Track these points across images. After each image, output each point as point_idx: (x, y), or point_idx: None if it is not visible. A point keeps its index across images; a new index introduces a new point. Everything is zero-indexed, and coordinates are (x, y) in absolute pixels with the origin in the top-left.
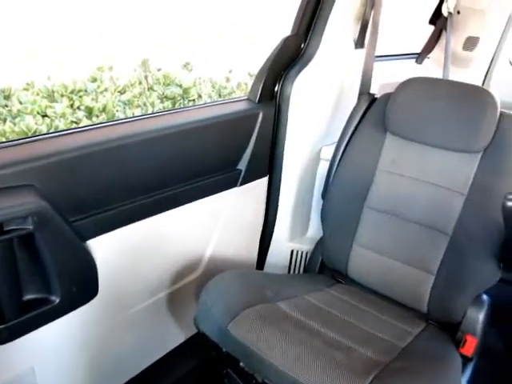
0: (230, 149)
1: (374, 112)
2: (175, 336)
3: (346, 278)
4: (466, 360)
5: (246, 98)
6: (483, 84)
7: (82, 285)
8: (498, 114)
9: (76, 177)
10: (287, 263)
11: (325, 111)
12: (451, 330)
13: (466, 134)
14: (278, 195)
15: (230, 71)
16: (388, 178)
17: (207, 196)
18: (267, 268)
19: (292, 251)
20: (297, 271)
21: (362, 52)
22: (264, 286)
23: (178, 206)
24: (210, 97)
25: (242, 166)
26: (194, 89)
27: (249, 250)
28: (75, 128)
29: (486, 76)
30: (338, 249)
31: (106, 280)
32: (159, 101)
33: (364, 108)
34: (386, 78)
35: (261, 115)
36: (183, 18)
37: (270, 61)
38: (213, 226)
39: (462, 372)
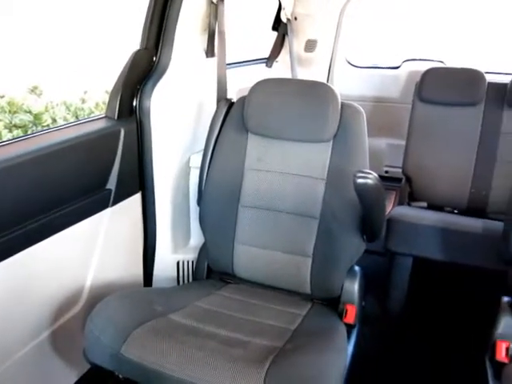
0: (96, 169)
1: (233, 116)
2: (66, 377)
3: (234, 278)
4: (350, 328)
5: (104, 115)
6: (328, 80)
7: None
8: (340, 105)
9: None
10: (175, 275)
11: (187, 120)
12: (334, 304)
13: (316, 125)
14: (154, 209)
15: (86, 92)
16: (256, 176)
17: (78, 221)
18: (155, 283)
19: (178, 262)
20: (186, 281)
21: (214, 60)
22: (153, 301)
23: (46, 237)
24: (65, 120)
25: (112, 185)
26: (46, 114)
27: (133, 269)
28: None
29: (328, 73)
30: (221, 251)
31: None
32: (7, 130)
33: (223, 113)
34: (243, 83)
35: (122, 132)
36: None
37: (123, 76)
38: (90, 251)
39: (347, 339)
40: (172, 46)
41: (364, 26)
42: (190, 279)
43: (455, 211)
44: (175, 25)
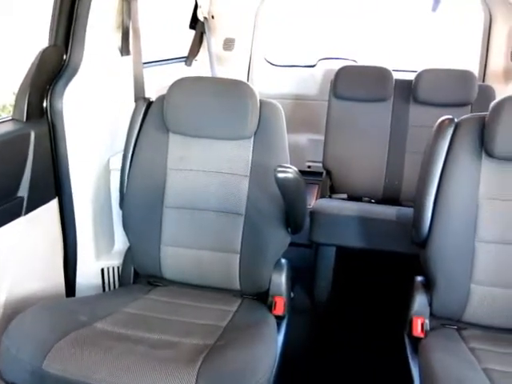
0: (4, 176)
1: (152, 115)
2: None
3: (162, 280)
4: (279, 319)
5: (10, 118)
6: (248, 79)
7: None
8: (259, 102)
9: None
10: (100, 282)
11: (104, 121)
12: (263, 298)
13: (237, 123)
14: (74, 215)
15: None
16: (179, 176)
17: None
18: (79, 293)
19: (102, 269)
20: (112, 288)
21: (130, 59)
22: (76, 311)
23: None
24: None
25: (23, 192)
26: None
27: (53, 279)
28: None
29: (248, 71)
30: (148, 254)
31: None
32: None
33: (142, 112)
34: (163, 82)
35: (32, 135)
36: None
37: (30, 76)
38: (3, 264)
39: (277, 330)
40: (83, 43)
41: (282, 25)
42: (117, 286)
43: (372, 201)
44: (86, 21)
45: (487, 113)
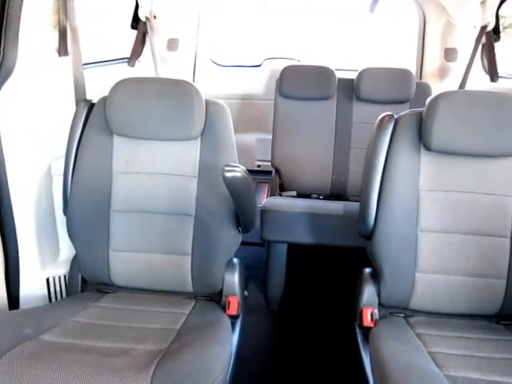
0: None
1: (94, 117)
2: None
3: (112, 287)
4: (233, 319)
5: None
6: (193, 79)
7: None
8: (204, 102)
9: None
10: (45, 293)
11: (43, 125)
12: (217, 298)
13: (183, 123)
14: (13, 224)
15: None
16: (126, 179)
17: None
18: (23, 305)
19: (47, 279)
20: (58, 298)
21: (69, 59)
22: (20, 324)
23: None
24: None
25: None
26: None
27: None
28: None
29: (194, 72)
30: (96, 261)
31: None
32: None
33: (84, 115)
34: (107, 83)
35: None
36: None
37: None
38: None
39: (232, 330)
40: (17, 43)
41: (227, 25)
42: (64, 295)
43: (321, 197)
44: (18, 20)
45: (424, 108)
